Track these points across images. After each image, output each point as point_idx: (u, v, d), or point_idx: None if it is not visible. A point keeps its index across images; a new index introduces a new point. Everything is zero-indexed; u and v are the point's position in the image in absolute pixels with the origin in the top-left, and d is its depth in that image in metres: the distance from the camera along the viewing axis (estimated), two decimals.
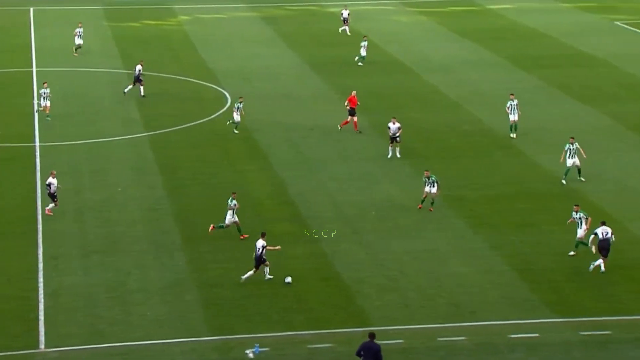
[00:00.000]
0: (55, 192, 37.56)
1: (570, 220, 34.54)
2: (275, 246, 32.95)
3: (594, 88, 55.88)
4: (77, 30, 64.58)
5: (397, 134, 43.97)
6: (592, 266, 32.87)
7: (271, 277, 32.43)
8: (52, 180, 37.63)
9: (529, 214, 37.93)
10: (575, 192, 40.01)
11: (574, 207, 34.57)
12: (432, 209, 38.15)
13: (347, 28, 71.23)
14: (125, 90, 54.35)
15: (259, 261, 32.18)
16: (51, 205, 37.74)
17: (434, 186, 38.20)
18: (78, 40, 64.12)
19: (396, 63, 62.81)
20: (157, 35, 71.53)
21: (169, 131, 48.96)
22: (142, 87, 54.20)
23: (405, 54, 64.78)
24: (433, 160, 44.27)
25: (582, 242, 33.92)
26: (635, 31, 70.98)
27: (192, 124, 50.26)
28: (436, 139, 47.67)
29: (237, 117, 48.07)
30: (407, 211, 38.44)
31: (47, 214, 37.50)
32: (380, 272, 33.13)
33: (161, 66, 61.87)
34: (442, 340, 28.70)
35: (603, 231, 33.23)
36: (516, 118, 46.91)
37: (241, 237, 35.46)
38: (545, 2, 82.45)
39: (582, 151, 41.22)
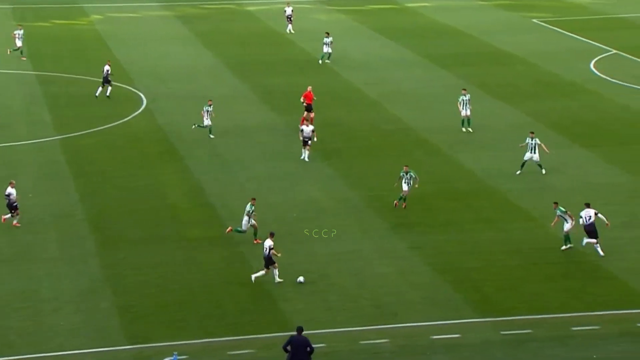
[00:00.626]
0: (15, 203, 36.50)
1: (554, 222, 34.70)
2: (277, 252, 32.59)
3: (513, 86, 56.73)
4: (16, 32, 63.01)
5: (310, 137, 43.77)
6: (584, 241, 33.84)
7: (281, 280, 32.12)
8: (11, 191, 36.59)
9: (451, 213, 38.28)
10: (495, 190, 40.53)
11: (553, 204, 34.88)
12: (405, 205, 38.29)
13: (290, 26, 70.83)
14: (97, 93, 53.57)
15: (269, 262, 32.11)
16: (8, 216, 36.71)
17: (409, 183, 38.32)
18: (18, 43, 62.58)
19: (316, 62, 62.90)
20: (68, 35, 70.50)
21: (82, 134, 48.23)
22: (109, 88, 53.49)
23: (321, 52, 64.84)
24: (354, 159, 44.43)
25: (567, 238, 34.25)
26: (553, 29, 72.34)
27: (106, 126, 49.59)
28: (357, 138, 47.84)
29: (207, 121, 47.25)
30: (328, 212, 38.48)
31: (15, 225, 36.47)
32: (301, 275, 33.03)
33: (72, 67, 60.95)
34: (365, 344, 28.75)
35: (586, 215, 33.90)
36: (468, 113, 47.73)
37: (255, 242, 34.91)
38: (464, 0, 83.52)
39: (543, 147, 41.97)
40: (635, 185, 40.90)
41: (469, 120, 47.97)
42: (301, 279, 32.37)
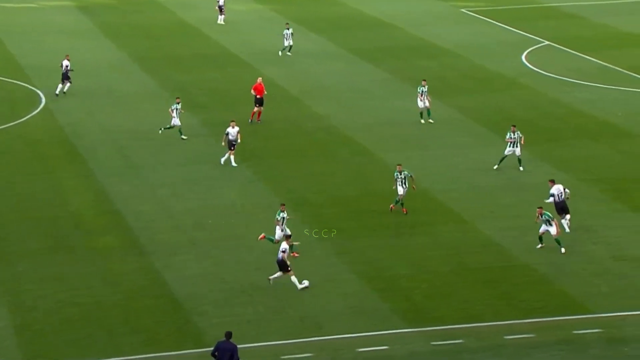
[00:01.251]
0: None
1: (537, 219, 35.34)
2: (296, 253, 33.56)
3: (441, 80, 57.43)
4: None
5: (236, 140, 43.75)
6: (566, 227, 35.76)
7: (304, 285, 32.47)
8: None
9: (378, 217, 38.61)
10: (425, 191, 41.00)
11: (537, 209, 35.26)
12: (405, 210, 38.45)
13: (222, 17, 70.58)
14: (57, 91, 53.06)
15: (283, 266, 32.47)
16: None
17: (404, 184, 38.40)
18: None
19: (230, 56, 62.86)
20: None
21: None
22: (68, 85, 53.18)
23: (241, 45, 64.89)
24: (274, 161, 44.54)
25: (557, 241, 35.17)
26: (483, 19, 73.42)
27: (1, 127, 48.89)
28: (277, 137, 47.96)
29: (176, 120, 46.66)
30: (248, 218, 38.52)
31: None
32: (219, 287, 33.01)
33: None
34: (287, 358, 28.84)
35: (558, 192, 35.85)
36: (427, 104, 48.99)
37: (293, 255, 34.44)
38: None
39: (522, 140, 42.67)
40: (570, 184, 41.76)
41: (428, 111, 49.31)
42: (306, 283, 32.72)
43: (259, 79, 50.32)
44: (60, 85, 53.58)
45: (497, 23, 71.67)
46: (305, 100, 53.64)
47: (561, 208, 36.23)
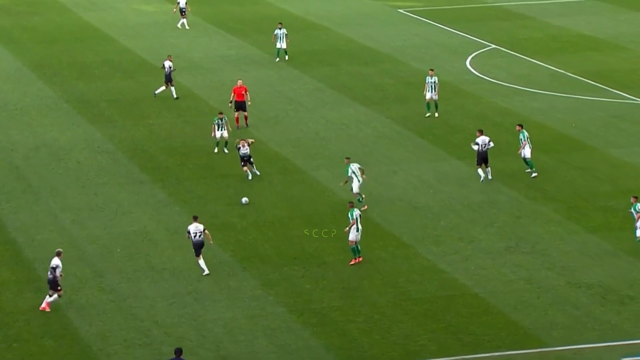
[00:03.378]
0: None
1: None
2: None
3: (378, 88, 57.75)
4: None
5: (249, 154, 44.15)
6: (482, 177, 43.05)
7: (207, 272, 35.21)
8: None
9: (308, 243, 38.63)
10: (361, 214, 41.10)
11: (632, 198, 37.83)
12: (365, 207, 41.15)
13: (185, 21, 70.54)
14: (156, 92, 54.89)
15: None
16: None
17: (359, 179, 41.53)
18: None
19: (139, 62, 62.53)
20: None
21: None
22: (172, 88, 54.96)
23: (151, 50, 64.59)
24: (191, 181, 44.35)
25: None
26: (423, 20, 73.99)
27: None
28: (194, 154, 47.75)
29: (222, 133, 47.54)
30: (161, 245, 38.27)
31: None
32: (129, 324, 32.75)
33: None
34: None
35: (482, 142, 43.20)
36: (435, 96, 52.00)
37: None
38: None
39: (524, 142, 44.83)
40: (521, 202, 42.21)
41: (436, 104, 52.14)
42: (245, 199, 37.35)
43: (239, 81, 50.75)
44: (163, 88, 55.16)
45: (437, 24, 72.28)
46: (226, 112, 53.45)
47: (482, 158, 43.46)
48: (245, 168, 44.24)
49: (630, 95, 56.37)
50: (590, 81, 58.93)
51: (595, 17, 75.17)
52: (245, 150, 44.15)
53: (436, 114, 52.17)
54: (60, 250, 34.23)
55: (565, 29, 71.50)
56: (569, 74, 60.33)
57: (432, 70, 52.78)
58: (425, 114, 52.19)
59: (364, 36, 68.64)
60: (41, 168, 45.77)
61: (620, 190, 43.10)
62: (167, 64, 54.96)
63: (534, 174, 44.49)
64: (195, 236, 36.07)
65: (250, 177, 44.11)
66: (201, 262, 36.03)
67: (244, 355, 31.11)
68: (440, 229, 39.78)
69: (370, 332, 32.35)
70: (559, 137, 50.01)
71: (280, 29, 62.17)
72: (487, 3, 79.57)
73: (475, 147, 43.60)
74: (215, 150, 47.94)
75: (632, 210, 37.66)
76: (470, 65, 61.63)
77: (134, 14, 74.90)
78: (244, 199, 37.11)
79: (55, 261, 33.51)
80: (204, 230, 36.10)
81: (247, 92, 50.60)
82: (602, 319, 33.15)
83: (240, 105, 50.43)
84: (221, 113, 48.56)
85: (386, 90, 57.48)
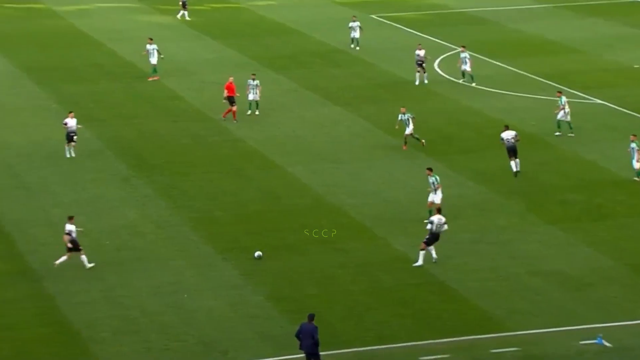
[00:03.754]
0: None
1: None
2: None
3: (351, 89, 57.71)
4: None
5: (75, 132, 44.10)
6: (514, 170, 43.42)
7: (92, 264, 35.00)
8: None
9: (287, 234, 38.56)
10: (335, 206, 41.09)
11: (427, 170, 40.05)
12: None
13: (185, 13, 72.06)
14: (416, 82, 57.59)
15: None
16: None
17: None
18: None
19: (126, 65, 62.29)
20: None
21: None
22: (425, 74, 58.08)
23: (137, 54, 64.31)
24: (176, 177, 44.21)
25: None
26: (391, 24, 73.95)
27: None
28: (179, 152, 47.60)
29: (253, 95, 51.08)
30: (147, 238, 38.12)
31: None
32: (116, 312, 32.60)
33: None
34: None
35: (508, 136, 44.01)
36: (468, 68, 57.29)
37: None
38: None
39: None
40: (485, 197, 42.29)
41: (471, 76, 57.22)
42: (258, 253, 36.05)
43: (231, 78, 51.63)
44: (417, 75, 57.92)
45: (407, 29, 72.29)
46: (208, 112, 53.37)
47: (510, 149, 43.97)
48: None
49: (587, 95, 56.53)
50: (549, 82, 59.08)
51: (553, 21, 75.41)
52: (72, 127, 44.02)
53: (473, 84, 57.01)
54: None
55: (526, 33, 71.65)
56: (530, 75, 60.46)
57: (463, 46, 58.48)
58: (461, 80, 57.41)
59: (337, 40, 68.52)
60: (33, 166, 45.51)
61: (577, 185, 43.28)
62: (420, 52, 58.23)
63: (569, 134, 48.77)
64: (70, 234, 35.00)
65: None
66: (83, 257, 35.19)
67: (225, 341, 31.02)
68: (410, 221, 39.78)
69: (345, 319, 32.33)
70: (520, 135, 50.02)
71: (354, 20, 66.14)
72: (452, 9, 79.62)
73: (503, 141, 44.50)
74: (248, 113, 50.93)
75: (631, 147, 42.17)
76: (438, 67, 61.63)
77: (121, 21, 74.56)
78: (257, 253, 36.30)
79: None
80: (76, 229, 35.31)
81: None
82: (561, 305, 33.24)
83: (231, 100, 51.14)
84: (254, 74, 51.75)
85: (358, 91, 57.44)
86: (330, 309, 32.90)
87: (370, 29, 71.22)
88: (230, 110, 51.29)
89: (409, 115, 46.92)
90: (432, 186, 39.69)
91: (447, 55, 64.54)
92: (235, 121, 51.06)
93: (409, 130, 46.93)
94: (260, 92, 52.21)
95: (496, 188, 43.02)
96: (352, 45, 66.35)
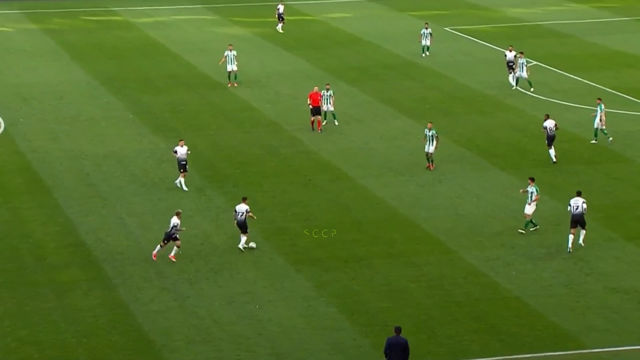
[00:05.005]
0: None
1: (522, 191, 40.18)
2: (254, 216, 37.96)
3: (426, 101, 57.43)
4: None
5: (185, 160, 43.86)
6: (569, 246, 37.54)
7: (251, 246, 37.55)
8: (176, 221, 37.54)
9: (359, 246, 38.43)
10: (407, 219, 40.86)
11: (529, 180, 39.75)
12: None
13: (281, 25, 73.50)
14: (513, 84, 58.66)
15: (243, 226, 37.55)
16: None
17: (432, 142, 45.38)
18: None
19: (200, 76, 62.70)
20: None
21: None
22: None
23: (211, 65, 64.74)
24: (249, 188, 44.24)
25: (531, 221, 38.84)
26: (464, 37, 73.54)
27: None
28: (252, 162, 47.71)
29: (328, 106, 51.57)
30: (220, 248, 38.23)
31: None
32: (190, 322, 32.73)
33: None
34: None
35: (575, 204, 37.80)
36: (525, 74, 57.80)
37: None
38: (369, 9, 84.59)
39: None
40: (562, 212, 41.74)
41: (529, 82, 57.95)
42: (253, 244, 37.65)
43: (315, 88, 52.10)
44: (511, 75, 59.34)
45: (481, 42, 71.82)
46: (282, 123, 53.47)
47: (576, 221, 37.78)
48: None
49: None
50: (626, 96, 58.23)
51: (631, 35, 74.36)
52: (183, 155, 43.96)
53: (531, 90, 57.71)
54: (179, 210, 37.15)
55: (602, 47, 70.75)
56: (607, 89, 59.64)
57: (521, 52, 58.56)
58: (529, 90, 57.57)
59: (409, 52, 68.26)
60: (109, 175, 45.93)
61: None
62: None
63: (609, 139, 49.19)
64: (239, 215, 37.64)
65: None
66: (243, 238, 37.65)
67: (297, 352, 30.96)
68: (483, 235, 39.41)
69: (416, 332, 32.07)
70: (597, 149, 49.41)
71: (426, 28, 66.71)
72: (525, 22, 78.93)
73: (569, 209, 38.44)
74: (324, 122, 51.45)
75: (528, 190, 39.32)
76: (512, 79, 61.07)
77: (196, 32, 75.14)
78: (252, 244, 37.82)
79: (174, 220, 36.52)
80: (247, 211, 37.77)
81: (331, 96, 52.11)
82: (638, 323, 32.62)
83: (316, 110, 51.35)
84: (328, 84, 52.28)
85: (431, 103, 57.14)
86: (402, 322, 32.55)
87: (443, 41, 70.92)
88: (313, 121, 51.44)
89: (434, 132, 45.68)
90: (530, 197, 39.42)
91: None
92: (320, 131, 51.21)
93: (431, 148, 45.74)
94: (334, 103, 52.21)
95: None
96: (422, 54, 66.75)
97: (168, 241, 36.95)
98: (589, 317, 33.04)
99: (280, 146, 50.03)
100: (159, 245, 36.97)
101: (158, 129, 52.43)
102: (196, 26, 77.27)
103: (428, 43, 66.83)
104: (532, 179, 39.85)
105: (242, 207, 37.69)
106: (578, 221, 37.62)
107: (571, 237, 37.51)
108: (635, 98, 57.70)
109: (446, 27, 76.26)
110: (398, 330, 28.43)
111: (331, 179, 45.56)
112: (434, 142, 46.01)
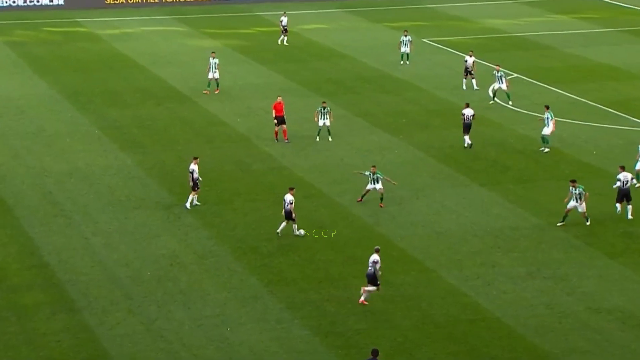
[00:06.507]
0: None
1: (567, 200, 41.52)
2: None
3: (403, 115, 57.58)
4: None
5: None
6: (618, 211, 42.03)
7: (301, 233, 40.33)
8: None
9: (334, 266, 38.45)
10: (384, 238, 40.91)
11: (571, 183, 41.51)
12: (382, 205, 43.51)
13: (285, 38, 73.99)
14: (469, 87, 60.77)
15: (288, 215, 40.19)
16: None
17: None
18: None
19: (169, 89, 62.66)
20: None
21: None
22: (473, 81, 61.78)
23: (180, 79, 64.73)
24: (219, 206, 44.22)
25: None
26: (443, 49, 73.82)
27: None
28: (223, 179, 47.65)
29: (323, 121, 52.19)
30: (189, 268, 38.16)
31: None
32: (158, 345, 32.65)
33: None
34: None
35: (624, 178, 41.98)
36: (504, 87, 58.57)
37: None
38: (345, 20, 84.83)
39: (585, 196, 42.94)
40: (542, 229, 41.92)
41: (508, 94, 58.73)
42: (301, 232, 40.27)
43: (279, 98, 52.76)
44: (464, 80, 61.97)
45: (461, 54, 72.12)
46: (253, 139, 53.50)
47: (624, 194, 42.23)
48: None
49: None
50: (609, 109, 58.61)
51: (615, 47, 74.90)
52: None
53: (510, 103, 58.63)
54: (378, 247, 36.04)
55: (584, 59, 71.23)
56: (589, 102, 60.03)
57: (498, 65, 60.16)
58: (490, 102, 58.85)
59: (386, 65, 68.48)
60: (74, 193, 45.78)
61: None
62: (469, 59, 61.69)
63: (545, 149, 50.44)
64: (286, 204, 40.37)
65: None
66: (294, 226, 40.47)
67: None
68: (463, 253, 39.53)
69: (393, 355, 32.10)
70: (579, 164, 49.69)
71: (405, 35, 68.06)
72: (514, 33, 79.32)
73: (618, 184, 42.84)
74: (317, 139, 52.06)
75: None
76: (491, 93, 61.37)
77: (166, 45, 75.11)
78: (301, 231, 40.60)
79: (375, 257, 35.28)
80: (291, 202, 40.30)
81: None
82: (622, 344, 32.79)
83: (280, 120, 52.03)
84: (324, 102, 53.06)
85: (410, 117, 57.32)
86: (379, 344, 32.63)
87: (422, 53, 71.19)
88: (277, 131, 51.77)
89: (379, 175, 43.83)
90: (578, 199, 41.08)
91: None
92: (286, 140, 51.37)
93: (378, 185, 43.83)
94: (331, 118, 52.89)
95: (553, 220, 42.62)
96: (402, 62, 67.41)
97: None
98: (570, 338, 33.16)
99: (252, 162, 50.05)
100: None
101: (125, 144, 52.31)
102: (165, 38, 77.24)
103: (408, 50, 67.75)
104: (574, 181, 41.74)
105: (287, 197, 40.41)
106: (626, 195, 42.17)
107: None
108: (618, 111, 58.10)
109: (424, 38, 76.51)
110: (375, 352, 28.42)
111: (305, 195, 45.56)
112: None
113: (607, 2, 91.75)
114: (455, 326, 33.95)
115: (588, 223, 41.81)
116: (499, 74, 58.66)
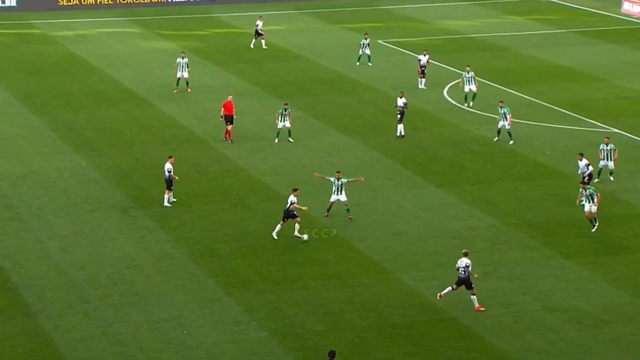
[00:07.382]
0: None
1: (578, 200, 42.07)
2: (303, 206, 40.51)
3: (361, 117, 57.83)
4: None
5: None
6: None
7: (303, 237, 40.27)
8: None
9: (291, 268, 38.57)
10: (342, 240, 41.12)
11: (581, 185, 42.08)
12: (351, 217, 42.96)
13: (262, 41, 73.70)
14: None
15: (289, 215, 40.42)
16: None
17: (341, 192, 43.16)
18: None
19: (125, 91, 62.51)
20: None
21: None
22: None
23: (136, 80, 64.60)
24: (176, 209, 44.22)
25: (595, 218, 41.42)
26: (398, 50, 74.19)
27: None
28: (180, 182, 47.34)
29: (285, 123, 52.19)
30: (146, 271, 38.15)
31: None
32: (114, 349, 32.61)
33: None
34: None
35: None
36: (474, 88, 58.77)
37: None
38: (301, 22, 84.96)
39: (615, 153, 47.19)
40: (498, 229, 42.30)
41: (474, 95, 59.00)
42: (305, 237, 40.25)
43: (229, 97, 52.91)
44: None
45: (417, 55, 72.47)
46: (210, 141, 53.52)
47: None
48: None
49: (603, 124, 56.64)
50: (564, 110, 59.21)
51: (570, 48, 75.63)
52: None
53: (471, 103, 58.83)
54: (466, 251, 35.66)
55: (540, 60, 71.87)
56: (544, 104, 60.60)
57: (468, 66, 59.11)
58: (464, 104, 58.77)
59: (344, 66, 68.74)
60: (28, 196, 45.59)
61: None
62: (423, 57, 62.45)
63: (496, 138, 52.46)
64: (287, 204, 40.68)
65: None
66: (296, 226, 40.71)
67: None
68: (420, 254, 39.81)
69: (351, 357, 32.28)
70: (535, 165, 50.18)
71: (366, 38, 69.10)
72: (464, 34, 79.87)
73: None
74: (276, 141, 52.16)
75: None
76: (447, 94, 61.81)
77: (121, 46, 74.88)
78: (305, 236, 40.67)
79: (466, 260, 35.00)
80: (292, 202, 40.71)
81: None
82: (577, 343, 33.19)
83: (228, 119, 52.44)
84: (286, 104, 52.94)
85: (366, 119, 57.58)
86: (337, 345, 32.84)
87: (379, 55, 71.44)
88: (229, 131, 52.23)
89: (343, 181, 43.06)
90: (590, 200, 41.49)
91: (457, 82, 64.65)
92: (230, 141, 51.56)
93: (342, 196, 43.29)
94: (291, 120, 52.94)
95: (509, 220, 43.05)
96: (358, 63, 68.16)
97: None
98: (527, 337, 33.52)
99: (209, 164, 50.07)
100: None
101: (80, 147, 52.15)
102: (120, 40, 77.00)
103: (368, 52, 68.48)
104: (584, 182, 42.42)
105: (290, 198, 40.83)
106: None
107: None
108: (573, 112, 58.69)
109: (380, 39, 76.82)
110: (332, 354, 28.59)
111: (263, 198, 45.69)
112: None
113: (562, 3, 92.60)
114: (413, 327, 34.21)
115: (594, 229, 41.60)
116: (470, 75, 58.86)
